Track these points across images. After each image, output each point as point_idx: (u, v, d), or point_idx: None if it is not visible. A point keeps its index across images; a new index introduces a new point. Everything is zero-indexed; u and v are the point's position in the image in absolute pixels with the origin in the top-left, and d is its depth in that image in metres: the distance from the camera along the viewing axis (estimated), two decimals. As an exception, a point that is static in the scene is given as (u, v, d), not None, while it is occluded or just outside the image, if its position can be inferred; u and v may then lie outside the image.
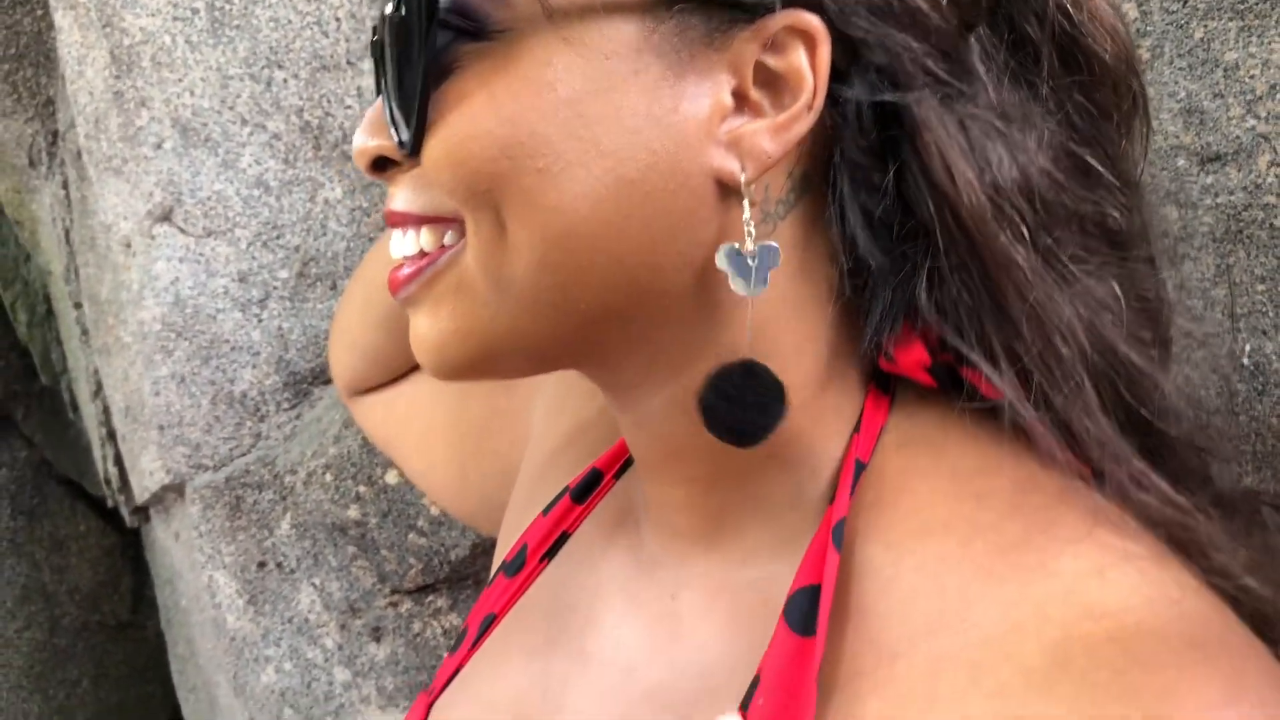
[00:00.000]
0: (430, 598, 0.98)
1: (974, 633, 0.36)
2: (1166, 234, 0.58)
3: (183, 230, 1.00)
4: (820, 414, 0.42)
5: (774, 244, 0.40)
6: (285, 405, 1.00)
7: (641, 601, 0.48)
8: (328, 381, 0.99)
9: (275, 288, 0.97)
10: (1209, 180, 0.62)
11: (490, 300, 0.41)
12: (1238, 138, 0.61)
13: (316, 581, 1.01)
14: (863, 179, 0.40)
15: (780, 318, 0.42)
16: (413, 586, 0.97)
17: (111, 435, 1.28)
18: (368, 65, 0.90)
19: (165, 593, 1.43)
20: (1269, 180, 0.61)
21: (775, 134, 0.39)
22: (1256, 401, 0.63)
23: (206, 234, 0.98)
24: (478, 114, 0.39)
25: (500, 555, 0.61)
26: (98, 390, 1.27)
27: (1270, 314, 0.62)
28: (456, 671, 0.57)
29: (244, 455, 1.02)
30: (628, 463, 0.56)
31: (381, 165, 0.43)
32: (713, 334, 0.42)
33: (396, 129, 0.41)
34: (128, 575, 1.73)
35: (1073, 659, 0.34)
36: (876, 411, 0.42)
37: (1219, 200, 0.62)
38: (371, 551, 0.97)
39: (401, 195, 0.43)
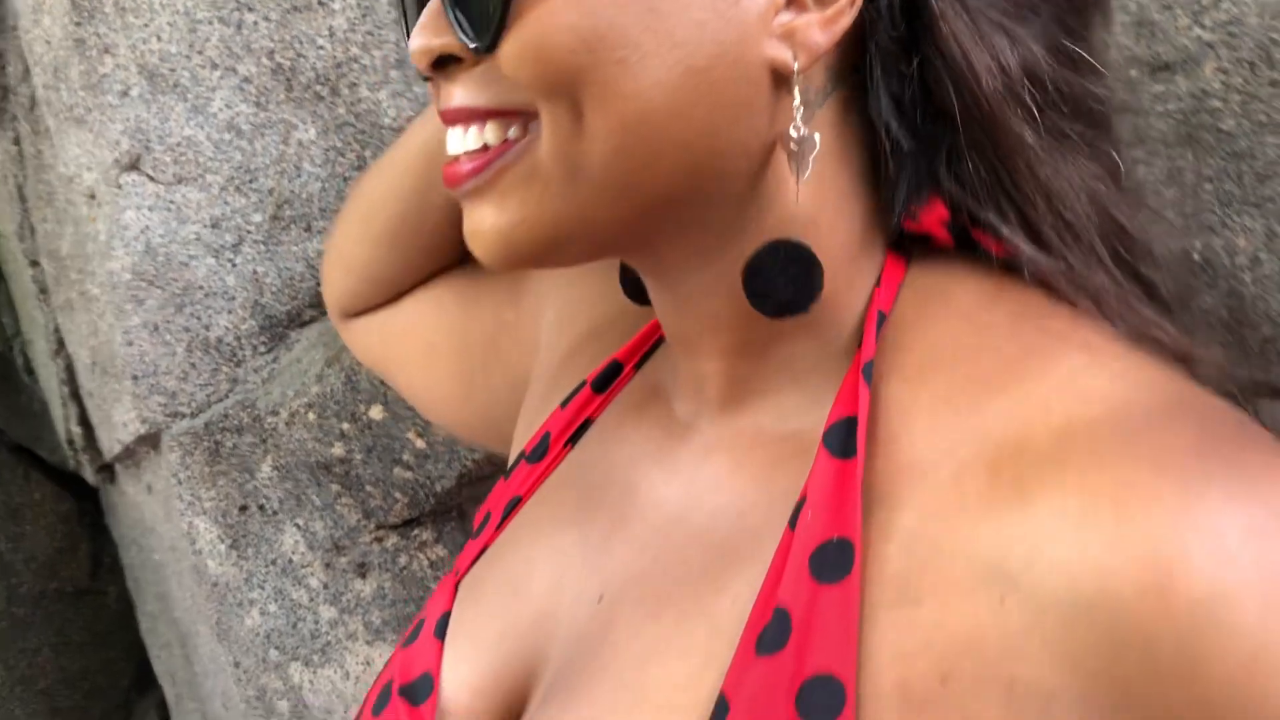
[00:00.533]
0: (416, 531, 1.00)
1: (988, 439, 0.40)
2: (1121, 139, 0.62)
3: (152, 178, 1.00)
4: (849, 280, 0.46)
5: (816, 133, 0.43)
6: (262, 349, 1.01)
7: (676, 466, 0.51)
8: (305, 324, 1.01)
9: (249, 232, 0.98)
10: (1159, 88, 0.67)
11: (563, 189, 0.43)
12: (1185, 47, 0.65)
13: (300, 522, 1.03)
14: (893, 68, 0.44)
15: (817, 198, 0.45)
16: (398, 521, 1.00)
17: (75, 394, 1.27)
18: (339, 5, 0.91)
19: (131, 552, 1.43)
20: (1215, 86, 0.65)
21: (825, 26, 0.42)
22: (1206, 294, 0.68)
23: (177, 181, 0.99)
24: (559, 9, 0.41)
25: (516, 451, 0.64)
26: (59, 349, 1.26)
27: (1217, 212, 0.67)
28: (482, 552, 0.59)
29: (222, 400, 1.03)
30: (647, 354, 0.59)
31: (442, 63, 0.45)
32: (757, 215, 0.46)
33: (465, 27, 0.43)
34: (85, 541, 1.72)
35: (1077, 437, 0.38)
36: (895, 270, 0.47)
37: (1169, 107, 0.67)
38: (356, 488, 0.99)
39: (463, 92, 0.45)
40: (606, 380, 0.60)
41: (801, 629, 0.40)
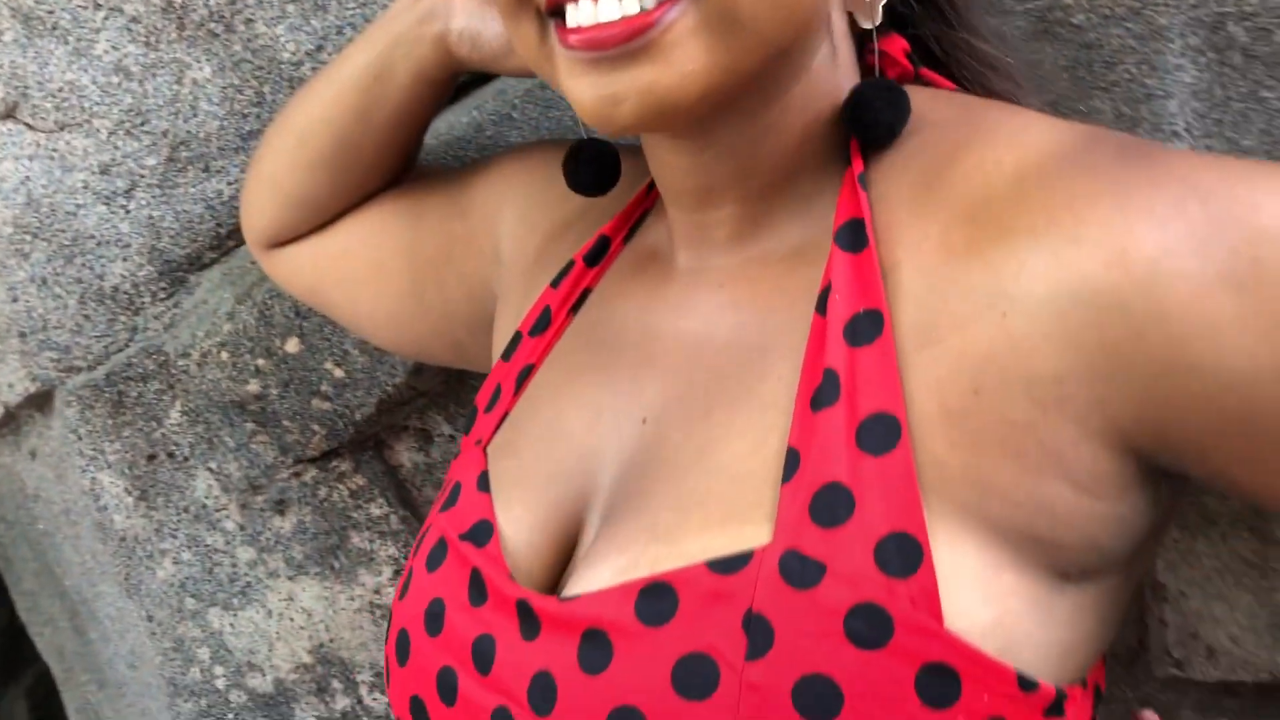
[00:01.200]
0: (334, 462, 1.02)
1: (960, 201, 0.50)
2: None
3: (31, 126, 0.98)
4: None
5: None
6: (162, 295, 1.01)
7: (690, 304, 0.57)
8: (205, 266, 1.00)
9: (142, 176, 0.97)
10: (1019, -9, 0.77)
11: (725, 41, 0.48)
12: (1039, -48, 0.75)
13: (213, 465, 1.03)
14: None
15: (846, 42, 0.56)
16: (316, 453, 1.01)
17: (-64, 366, 1.22)
18: (232, -59, 0.91)
19: (5, 528, 1.37)
20: (1065, -14, 0.76)
21: None
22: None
23: (59, 128, 0.97)
24: None
25: (508, 334, 0.68)
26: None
27: (1072, 95, 0.78)
28: (503, 419, 0.63)
29: (121, 350, 1.02)
30: (634, 228, 0.65)
31: None
32: (829, 61, 0.55)
33: None
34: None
35: (1028, 177, 0.48)
36: None
37: (1028, 5, 0.77)
38: (272, 424, 1.00)
39: None
40: (597, 255, 0.65)
41: (849, 383, 0.48)
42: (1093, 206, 0.45)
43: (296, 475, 1.03)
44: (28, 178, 0.98)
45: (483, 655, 0.54)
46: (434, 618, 0.57)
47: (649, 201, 0.66)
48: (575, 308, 0.65)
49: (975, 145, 0.51)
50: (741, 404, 0.52)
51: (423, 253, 0.77)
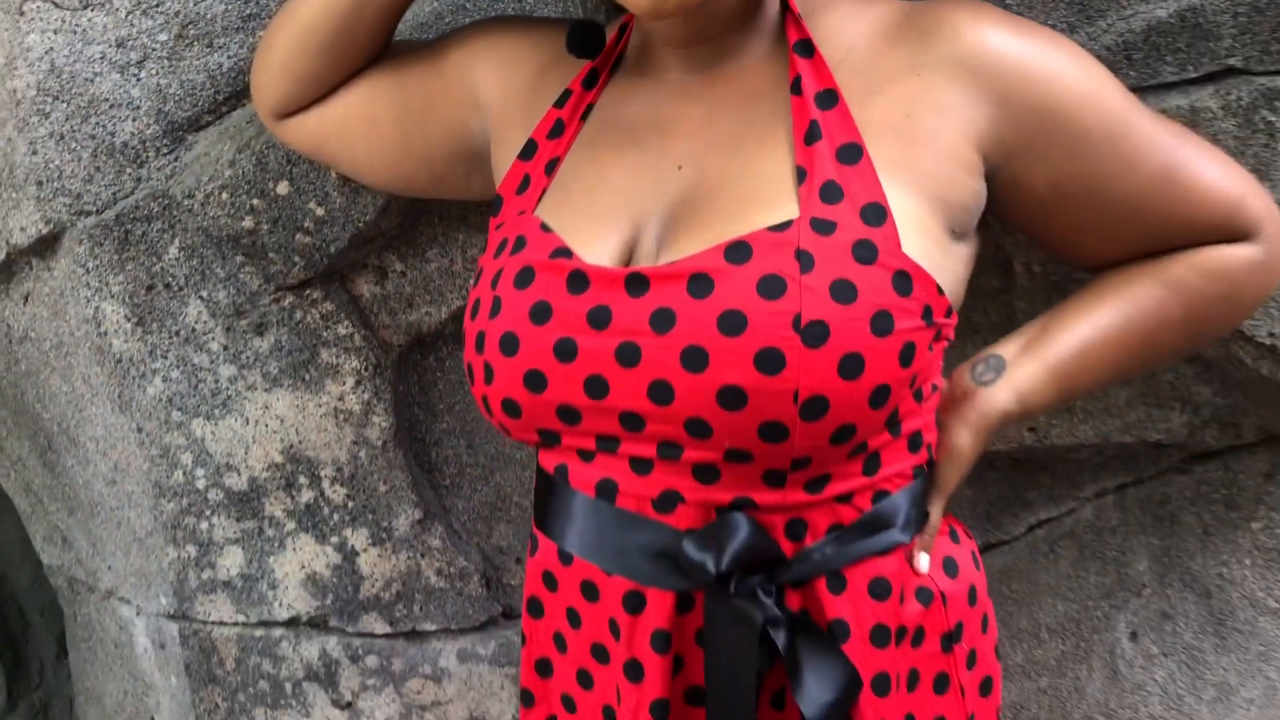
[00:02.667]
0: (308, 290, 1.26)
1: (876, 25, 0.81)
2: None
3: (57, 4, 1.18)
4: None
5: None
6: (164, 150, 1.22)
7: (691, 96, 0.85)
8: (202, 128, 1.23)
9: (154, 50, 1.19)
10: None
11: None
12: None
13: (204, 294, 1.26)
14: None
15: None
16: (294, 282, 1.25)
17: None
18: None
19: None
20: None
21: None
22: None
23: (83, 6, 1.18)
24: None
25: (517, 145, 0.93)
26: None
27: None
28: (543, 194, 0.88)
29: (128, 197, 1.23)
30: (615, 63, 0.92)
31: None
32: None
33: None
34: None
35: (918, 7, 0.80)
36: None
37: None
38: (259, 257, 1.24)
39: None
40: (590, 81, 0.92)
41: (826, 129, 0.78)
42: (957, 14, 0.79)
43: (276, 301, 1.26)
44: (52, 49, 1.18)
45: (599, 317, 0.78)
46: (540, 313, 0.80)
47: (623, 44, 0.94)
48: (584, 117, 0.92)
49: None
50: (755, 147, 0.80)
51: (408, 105, 1.02)
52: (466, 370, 0.88)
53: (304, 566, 1.36)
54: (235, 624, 1.38)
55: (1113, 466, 1.37)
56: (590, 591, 0.84)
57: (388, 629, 1.38)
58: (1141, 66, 1.08)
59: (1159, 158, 0.83)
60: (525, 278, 0.83)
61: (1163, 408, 1.29)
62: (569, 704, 0.88)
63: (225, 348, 1.28)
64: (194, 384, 1.29)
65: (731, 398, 0.72)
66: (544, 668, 0.90)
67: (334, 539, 1.35)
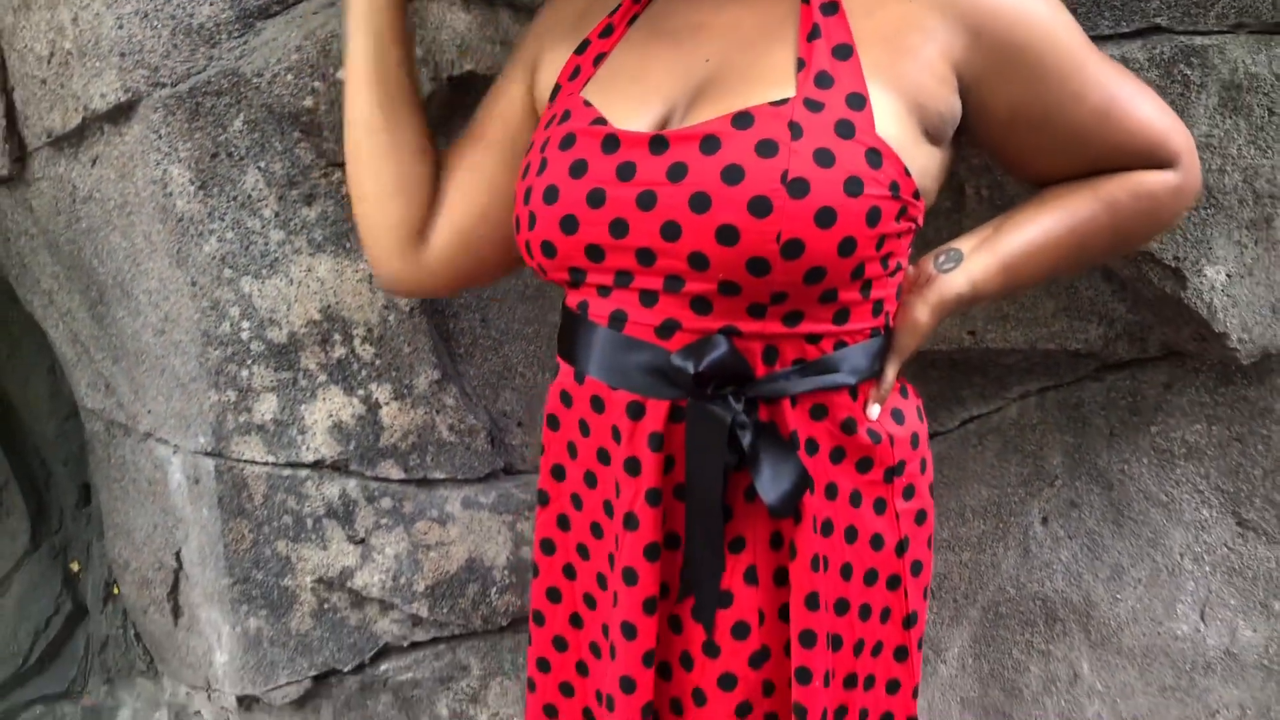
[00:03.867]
0: (355, 168, 1.43)
1: None
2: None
3: (151, -104, 1.34)
4: None
5: None
6: (236, 33, 1.39)
7: (720, 6, 1.02)
8: (271, 15, 1.39)
9: (234, -57, 1.35)
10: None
11: None
12: None
13: (262, 164, 1.43)
14: None
15: None
16: (342, 159, 1.42)
17: (4, 87, 1.54)
18: None
19: (20, 242, 1.69)
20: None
21: None
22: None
23: (174, -100, 1.34)
24: None
25: (561, 57, 1.11)
26: (-8, 50, 1.52)
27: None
28: (587, 81, 1.06)
29: (201, 73, 1.39)
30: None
31: None
32: None
33: None
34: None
35: None
36: None
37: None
38: (315, 134, 1.41)
39: None
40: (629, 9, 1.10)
41: (826, 32, 0.95)
42: None
43: (326, 175, 1.43)
44: (142, -64, 1.34)
45: (626, 171, 0.96)
46: (578, 169, 0.98)
47: None
48: (630, 22, 1.09)
49: None
50: (767, 43, 0.98)
51: (514, 145, 1.16)
52: (514, 223, 1.06)
53: (331, 415, 1.54)
54: (265, 464, 1.56)
55: (1037, 371, 1.59)
56: (598, 404, 1.03)
57: (402, 475, 1.57)
58: (1083, 19, 1.29)
59: (1103, 94, 1.02)
60: (568, 142, 1.01)
61: (1083, 320, 1.50)
62: (576, 501, 1.08)
63: (277, 214, 1.45)
64: (246, 245, 1.46)
65: (727, 235, 0.91)
66: (558, 472, 1.10)
67: (360, 392, 1.53)
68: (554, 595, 1.13)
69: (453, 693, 1.68)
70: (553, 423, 1.10)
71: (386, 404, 1.54)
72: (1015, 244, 1.07)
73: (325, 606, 1.62)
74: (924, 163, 0.98)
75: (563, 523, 1.10)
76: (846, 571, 1.02)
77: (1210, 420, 1.57)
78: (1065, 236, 1.07)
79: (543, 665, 1.15)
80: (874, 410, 1.03)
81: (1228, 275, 1.38)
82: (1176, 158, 1.06)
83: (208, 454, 1.57)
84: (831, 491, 1.01)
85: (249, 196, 1.44)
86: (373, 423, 1.54)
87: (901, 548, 1.04)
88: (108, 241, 1.56)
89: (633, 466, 1.00)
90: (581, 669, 1.13)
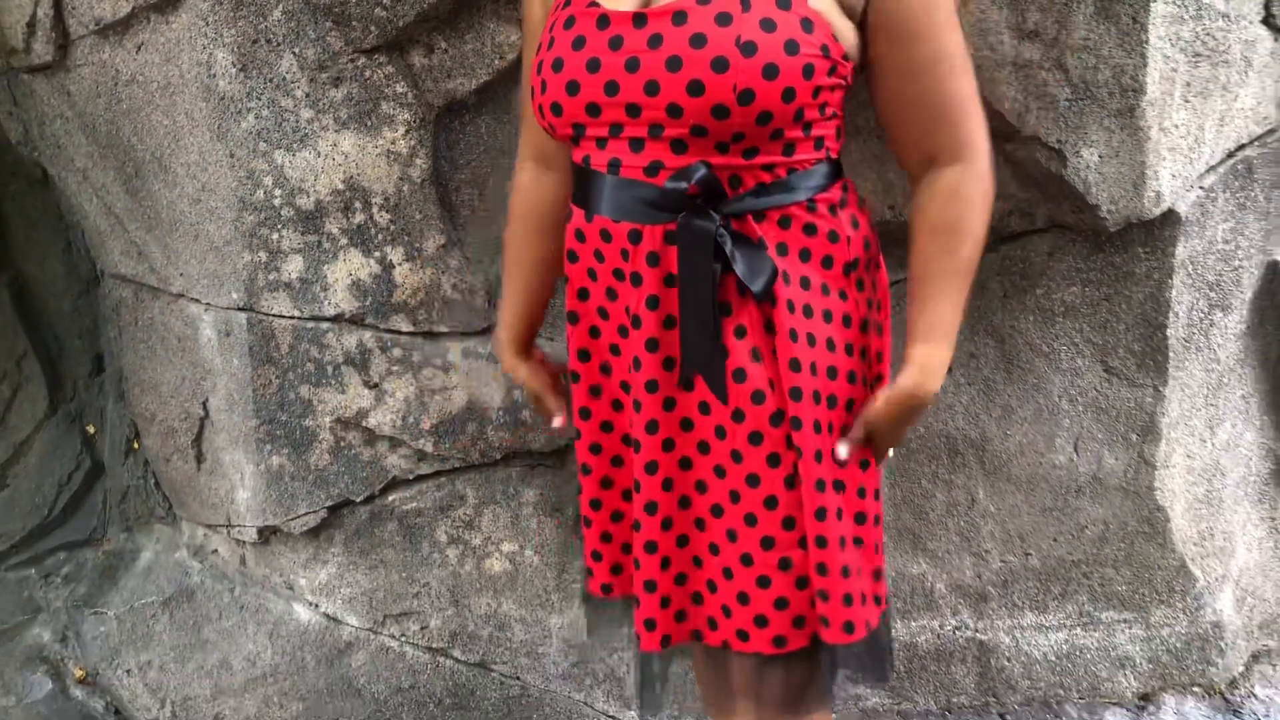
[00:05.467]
0: (377, 55, 1.67)
1: None
2: None
3: None
4: None
5: None
6: (276, -65, 1.61)
7: None
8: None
9: None
10: None
11: None
12: None
13: (297, 50, 1.65)
14: None
15: None
16: (369, 47, 1.65)
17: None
18: None
19: (56, 124, 1.88)
20: None
21: None
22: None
23: None
24: None
25: None
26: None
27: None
28: None
29: (244, -32, 1.61)
30: None
31: None
32: None
33: None
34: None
35: None
36: None
37: None
38: (345, 24, 1.63)
39: None
40: None
41: None
42: None
43: (352, 61, 1.67)
44: None
45: (615, 42, 1.20)
46: (579, 43, 1.23)
47: None
48: None
49: None
50: None
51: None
52: (530, 91, 1.32)
53: (351, 274, 1.78)
54: (291, 317, 1.80)
55: (946, 242, 1.90)
56: (606, 236, 1.29)
57: (411, 328, 1.82)
58: (989, -60, 1.58)
59: (941, 79, 1.26)
60: (569, 23, 1.26)
61: (983, 196, 1.81)
62: (603, 313, 1.35)
63: (308, 94, 1.68)
64: (279, 121, 1.69)
65: (695, 88, 1.17)
66: (583, 294, 1.36)
67: (377, 254, 1.77)
68: (594, 392, 1.40)
69: (450, 520, 1.94)
70: (571, 256, 1.36)
71: (399, 265, 1.78)
72: (920, 320, 1.29)
73: (341, 444, 1.87)
74: (846, 33, 1.24)
75: (594, 333, 1.37)
76: (831, 344, 1.29)
77: (1084, 283, 1.90)
78: (936, 281, 1.30)
79: (585, 469, 1.42)
80: (842, 452, 1.28)
81: (1099, 156, 1.71)
82: (970, 144, 1.29)
83: (240, 309, 1.80)
84: (805, 283, 1.28)
85: (283, 79, 1.67)
86: (387, 281, 1.79)
87: (864, 326, 1.34)
88: (148, 120, 1.76)
89: (636, 279, 1.28)
90: (617, 462, 1.41)
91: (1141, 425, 1.96)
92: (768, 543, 1.29)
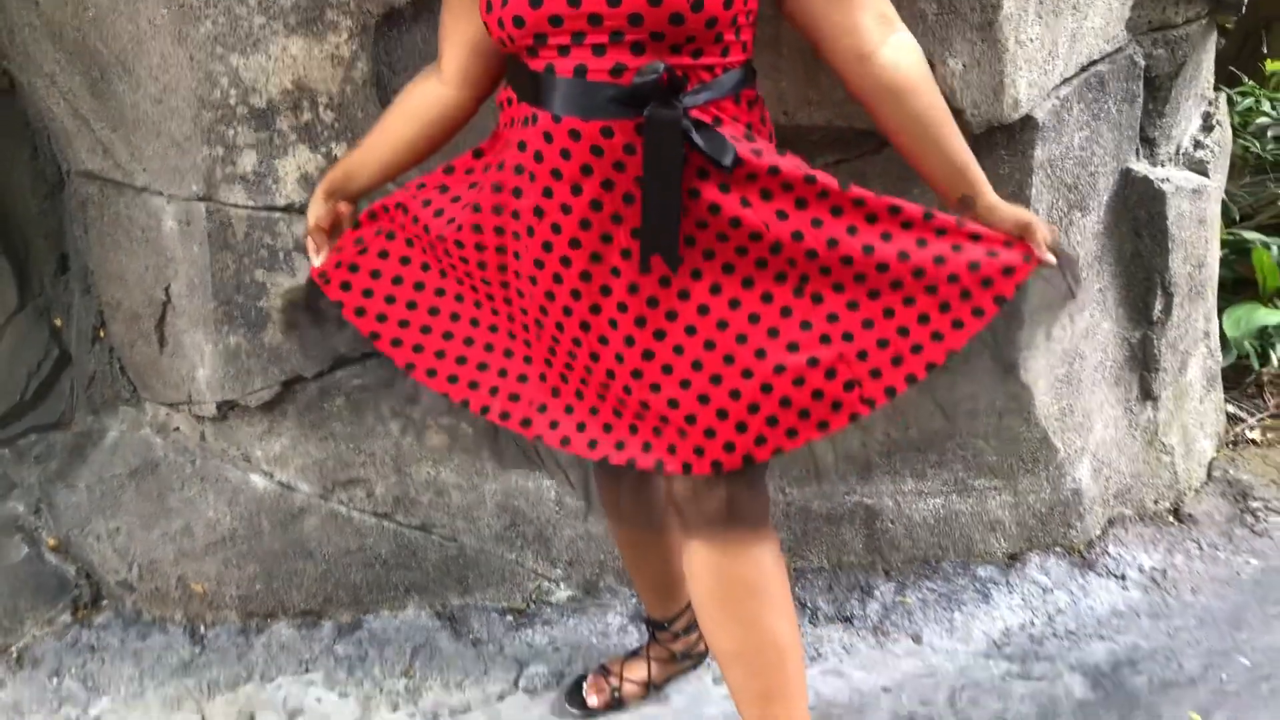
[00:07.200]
0: (322, -33, 1.86)
1: None
2: None
3: None
4: None
5: None
6: None
7: None
8: None
9: None
10: None
11: None
12: None
13: (249, -38, 1.84)
14: None
15: None
16: (314, -40, 1.85)
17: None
18: None
19: (24, 33, 2.04)
20: None
21: None
22: None
23: None
24: None
25: None
26: None
27: None
28: None
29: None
30: None
31: None
32: None
33: None
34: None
35: None
36: None
37: None
38: (293, -62, 1.82)
39: None
40: None
41: None
42: None
43: (300, -28, 1.85)
44: None
45: None
46: None
47: None
48: None
49: None
50: None
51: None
52: (483, 7, 1.49)
53: (300, 168, 1.98)
54: (246, 207, 2.00)
55: (834, 145, 2.13)
56: (575, 135, 1.45)
57: (355, 217, 2.02)
58: None
59: None
60: None
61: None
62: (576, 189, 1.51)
63: (259, 2, 1.87)
64: (234, 26, 1.88)
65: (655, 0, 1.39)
66: (546, 192, 1.54)
67: (323, 149, 1.97)
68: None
69: (394, 393, 2.16)
70: (537, 158, 1.51)
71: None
72: (969, 169, 1.68)
73: (292, 324, 2.08)
74: None
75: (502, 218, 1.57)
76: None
77: (956, 183, 2.14)
78: (945, 122, 1.60)
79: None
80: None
81: (963, 65, 1.95)
82: (894, 13, 1.53)
83: (199, 199, 1.99)
84: (757, 154, 1.49)
85: (239, -8, 1.85)
86: (333, 174, 1.99)
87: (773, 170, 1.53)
88: (113, 27, 1.94)
89: (619, 166, 1.45)
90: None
91: (1006, 310, 2.22)
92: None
